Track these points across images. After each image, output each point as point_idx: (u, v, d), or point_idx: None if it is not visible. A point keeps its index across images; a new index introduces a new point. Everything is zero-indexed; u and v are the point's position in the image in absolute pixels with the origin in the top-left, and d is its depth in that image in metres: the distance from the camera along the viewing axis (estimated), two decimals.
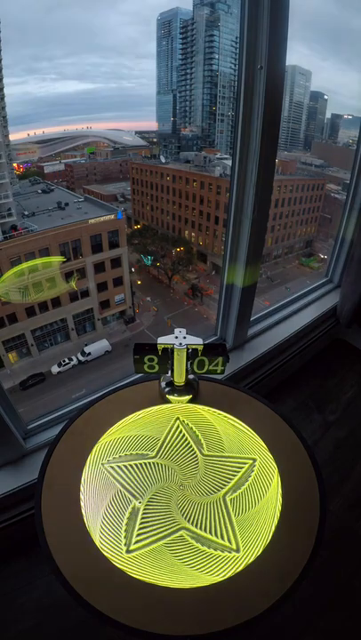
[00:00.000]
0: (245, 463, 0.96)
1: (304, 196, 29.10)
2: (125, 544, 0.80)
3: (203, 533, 0.83)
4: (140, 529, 0.82)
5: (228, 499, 0.89)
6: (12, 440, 1.37)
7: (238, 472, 0.95)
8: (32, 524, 0.80)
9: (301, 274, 26.92)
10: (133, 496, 0.88)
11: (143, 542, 0.80)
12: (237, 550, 0.80)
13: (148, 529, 0.83)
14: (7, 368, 17.20)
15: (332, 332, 2.49)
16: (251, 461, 0.96)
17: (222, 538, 0.82)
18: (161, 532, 0.82)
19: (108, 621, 0.67)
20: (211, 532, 0.83)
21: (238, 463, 0.96)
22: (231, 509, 0.87)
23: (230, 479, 0.93)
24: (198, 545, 0.81)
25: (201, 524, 0.84)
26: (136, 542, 0.80)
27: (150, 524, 0.83)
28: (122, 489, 0.89)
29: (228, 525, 0.85)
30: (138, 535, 0.81)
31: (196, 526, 0.84)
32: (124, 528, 0.82)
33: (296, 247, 29.88)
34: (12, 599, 1.38)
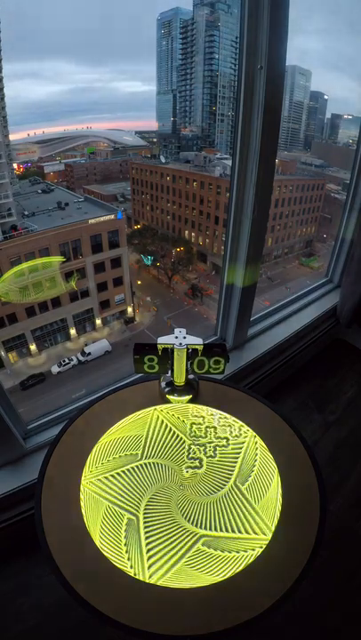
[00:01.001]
0: (244, 441, 0.96)
1: (304, 196, 29.13)
2: (134, 573, 0.75)
3: (226, 534, 0.81)
4: (149, 557, 0.78)
5: (242, 487, 0.88)
6: (12, 440, 1.37)
7: (240, 452, 0.95)
8: (32, 523, 0.80)
9: (302, 274, 26.94)
10: (129, 512, 0.84)
11: (159, 573, 0.76)
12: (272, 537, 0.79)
13: (157, 555, 0.78)
14: (7, 368, 17.21)
15: (332, 332, 2.49)
16: (251, 433, 0.97)
17: (248, 532, 0.81)
18: (176, 554, 0.78)
19: (108, 621, 0.67)
20: (234, 530, 0.82)
21: (237, 443, 0.97)
22: (250, 497, 0.86)
23: (234, 463, 0.93)
24: (220, 553, 0.79)
25: (219, 525, 0.83)
26: (151, 575, 0.75)
27: (159, 546, 0.79)
28: (114, 507, 0.85)
29: (254, 514, 0.83)
30: (150, 567, 0.77)
31: (214, 530, 0.82)
32: (127, 557, 0.77)
33: (296, 247, 29.90)
34: (12, 599, 1.38)
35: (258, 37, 1.20)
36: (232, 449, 0.99)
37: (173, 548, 0.80)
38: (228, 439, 1.01)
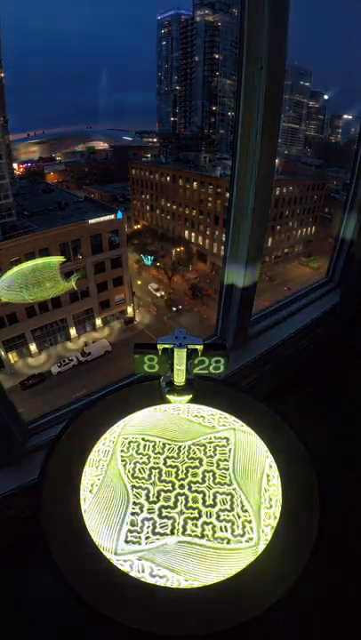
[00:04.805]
0: (244, 440, 0.99)
1: (304, 196, 29.15)
2: (135, 573, 0.78)
3: (226, 535, 0.82)
4: (149, 558, 0.79)
5: (242, 487, 0.89)
6: (13, 440, 1.37)
7: (240, 451, 0.98)
8: (32, 523, 0.80)
9: (302, 274, 26.97)
10: (130, 513, 0.86)
11: (159, 573, 0.78)
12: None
13: (158, 554, 0.80)
14: (7, 368, 17.21)
15: (333, 332, 2.49)
16: (250, 433, 1.01)
17: (248, 532, 0.83)
18: (176, 554, 0.80)
19: (107, 621, 0.67)
20: (234, 530, 0.83)
21: (237, 443, 0.99)
22: (250, 496, 0.87)
23: (234, 463, 0.95)
24: (221, 553, 0.80)
25: (219, 524, 0.84)
26: (151, 575, 0.77)
27: (160, 547, 0.81)
28: (115, 507, 0.87)
29: (254, 513, 0.85)
30: (150, 566, 0.79)
31: (214, 530, 0.83)
32: (127, 557, 0.79)
33: (296, 249, 29.93)
34: (13, 599, 1.38)
35: (258, 37, 1.20)
36: (232, 449, 0.99)
37: (174, 547, 0.80)
38: (227, 439, 1.01)
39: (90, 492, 0.89)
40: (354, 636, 1.34)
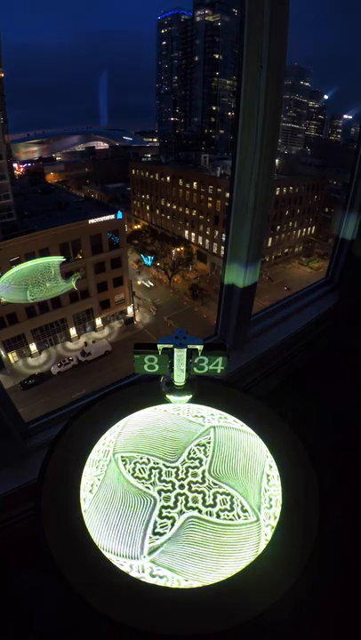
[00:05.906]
0: (243, 440, 0.99)
1: (303, 196, 29.15)
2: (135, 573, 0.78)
3: (227, 535, 0.83)
4: (150, 559, 0.79)
5: (241, 487, 0.90)
6: (13, 440, 1.37)
7: (240, 452, 0.98)
8: (32, 523, 0.80)
9: (303, 274, 26.97)
10: (130, 514, 0.86)
11: (159, 573, 0.78)
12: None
13: (158, 555, 0.80)
14: (7, 368, 17.21)
15: (332, 332, 2.49)
16: (250, 433, 1.01)
17: (248, 531, 0.83)
18: (176, 554, 0.80)
19: (108, 621, 0.67)
20: (235, 531, 0.83)
21: (237, 443, 0.99)
22: (250, 497, 0.87)
23: (234, 463, 0.96)
24: (221, 552, 0.80)
25: (220, 524, 0.84)
26: (152, 575, 0.77)
27: (161, 547, 0.81)
28: (115, 507, 0.87)
29: (254, 514, 0.85)
30: (150, 567, 0.78)
31: (214, 531, 0.83)
32: (128, 557, 0.80)
33: (295, 249, 29.93)
34: (13, 599, 1.38)
35: (258, 37, 1.20)
36: (232, 449, 0.99)
37: (175, 548, 0.80)
38: (228, 439, 1.01)
39: (90, 492, 0.89)
40: (355, 636, 1.34)
